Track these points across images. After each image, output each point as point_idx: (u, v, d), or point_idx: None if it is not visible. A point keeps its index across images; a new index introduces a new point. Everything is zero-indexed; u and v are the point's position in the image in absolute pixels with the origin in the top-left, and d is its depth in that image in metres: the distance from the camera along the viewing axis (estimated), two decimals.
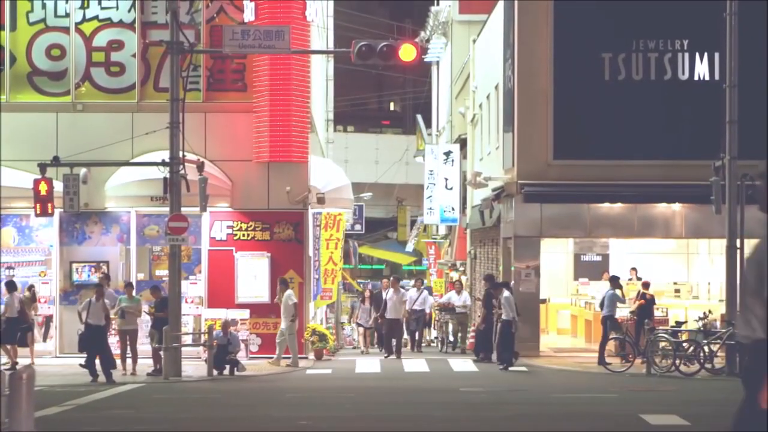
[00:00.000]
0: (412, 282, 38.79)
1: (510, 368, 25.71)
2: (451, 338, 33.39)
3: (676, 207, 29.59)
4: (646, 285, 28.51)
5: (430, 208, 46.21)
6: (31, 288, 28.53)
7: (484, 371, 25.79)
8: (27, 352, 26.70)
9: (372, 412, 17.32)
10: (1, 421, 9.93)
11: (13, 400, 9.82)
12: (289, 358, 27.15)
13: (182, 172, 25.07)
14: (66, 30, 29.59)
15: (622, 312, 29.34)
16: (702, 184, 25.56)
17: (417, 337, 34.14)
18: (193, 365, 26.16)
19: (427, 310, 34.72)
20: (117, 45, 29.63)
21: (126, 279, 28.47)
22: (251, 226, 29.43)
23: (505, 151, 31.64)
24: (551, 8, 29.35)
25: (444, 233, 52.16)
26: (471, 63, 41.86)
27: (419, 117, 58.68)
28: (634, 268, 32.11)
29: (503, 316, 26.42)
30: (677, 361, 24.34)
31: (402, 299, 31.66)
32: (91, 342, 24.00)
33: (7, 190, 27.88)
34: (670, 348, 24.65)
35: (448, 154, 43.87)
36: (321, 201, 30.33)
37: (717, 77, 28.59)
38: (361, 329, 36.10)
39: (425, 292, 34.87)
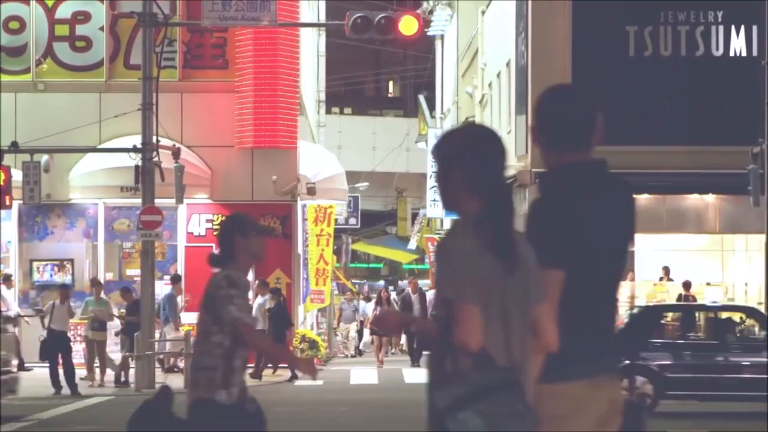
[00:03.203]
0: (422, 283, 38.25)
1: None
2: None
3: (710, 198, 29.61)
4: (687, 285, 28.54)
5: (434, 200, 46.27)
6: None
7: None
8: None
9: (367, 428, 17.34)
10: None
11: None
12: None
13: (156, 159, 25.09)
14: (26, 0, 29.58)
15: None
16: (738, 173, 25.56)
17: None
18: (169, 375, 26.20)
19: None
20: (83, 17, 29.63)
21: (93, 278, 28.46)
22: None
23: (517, 136, 31.67)
24: None
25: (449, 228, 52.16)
26: (479, 37, 41.87)
27: (422, 98, 58.66)
28: (665, 267, 32.02)
29: None
30: None
31: (264, 307, 28.29)
32: (55, 350, 24.02)
33: None
34: None
35: None
36: (311, 192, 30.35)
37: (755, 53, 28.58)
38: (373, 336, 34.00)
39: None
